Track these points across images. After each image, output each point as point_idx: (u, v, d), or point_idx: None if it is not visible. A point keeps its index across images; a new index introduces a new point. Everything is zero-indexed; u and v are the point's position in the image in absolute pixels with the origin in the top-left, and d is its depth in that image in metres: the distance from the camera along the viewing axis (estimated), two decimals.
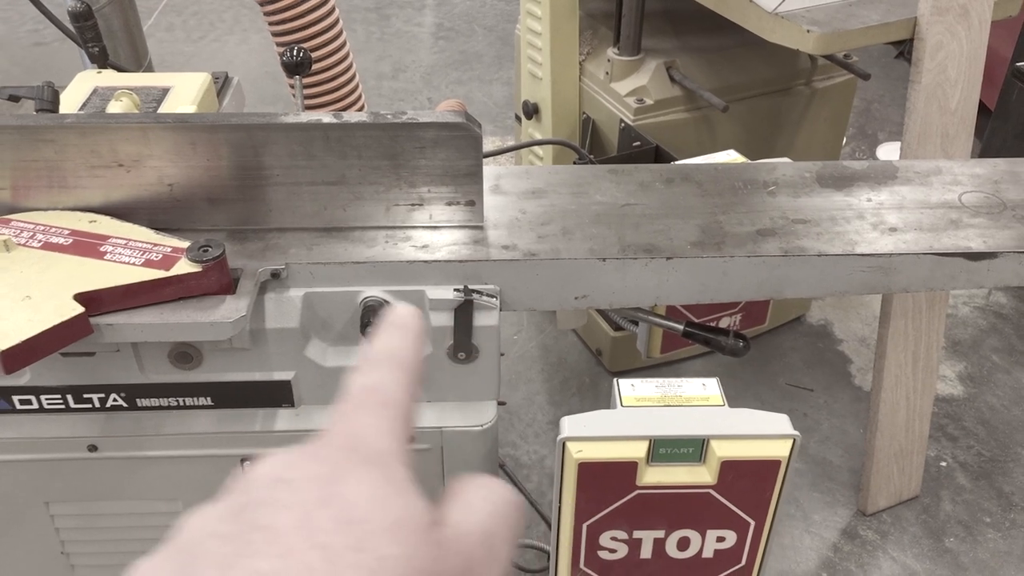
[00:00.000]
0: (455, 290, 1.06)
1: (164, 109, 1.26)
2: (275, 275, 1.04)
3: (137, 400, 1.10)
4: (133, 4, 1.70)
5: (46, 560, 1.22)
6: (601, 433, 0.98)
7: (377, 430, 0.42)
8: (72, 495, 1.16)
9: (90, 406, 1.10)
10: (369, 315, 1.04)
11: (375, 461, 0.40)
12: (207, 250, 0.98)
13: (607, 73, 2.11)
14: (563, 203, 1.16)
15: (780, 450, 0.99)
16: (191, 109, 1.23)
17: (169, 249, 0.99)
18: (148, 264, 0.97)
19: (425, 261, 1.05)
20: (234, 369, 1.09)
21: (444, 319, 1.06)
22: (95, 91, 1.30)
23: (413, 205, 1.09)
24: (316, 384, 1.11)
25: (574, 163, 1.90)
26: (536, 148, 2.46)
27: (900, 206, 1.18)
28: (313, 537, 0.36)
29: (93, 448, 1.10)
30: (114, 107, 1.17)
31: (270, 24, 1.56)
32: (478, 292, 1.06)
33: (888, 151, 3.54)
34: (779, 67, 2.18)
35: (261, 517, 0.37)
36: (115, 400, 1.10)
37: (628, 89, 2.06)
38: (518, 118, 2.88)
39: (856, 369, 2.63)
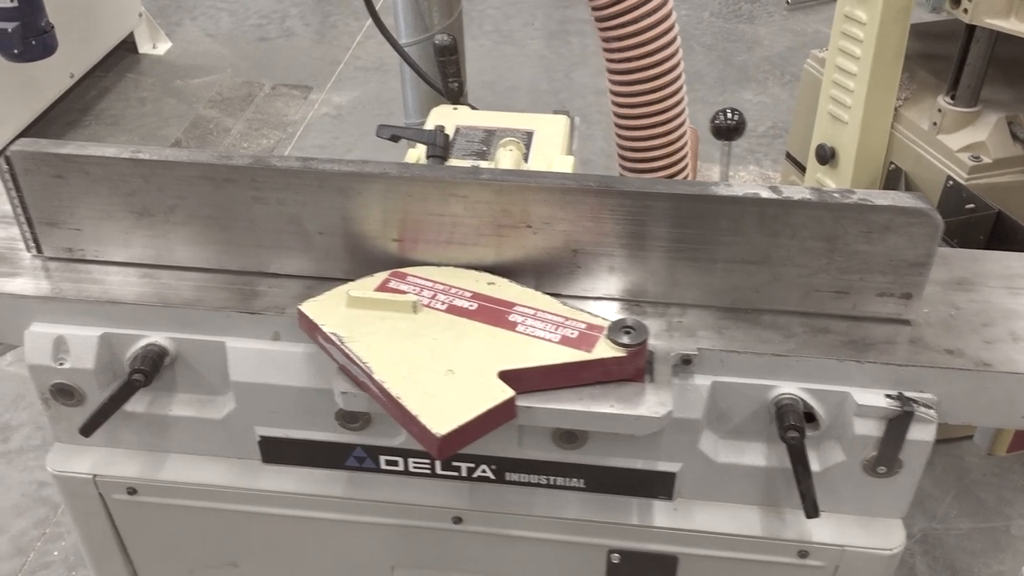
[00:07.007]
0: (887, 396, 0.92)
1: (535, 156, 1.18)
2: (686, 361, 0.93)
3: (506, 474, 1.02)
4: (462, 30, 1.66)
5: None
6: None
7: None
8: (422, 563, 1.09)
9: (456, 475, 1.03)
10: (787, 416, 0.92)
11: None
12: (629, 332, 0.88)
13: (934, 123, 1.91)
14: (1001, 301, 1.00)
15: None
16: (568, 159, 1.15)
17: (584, 326, 0.90)
18: (565, 342, 0.88)
19: (857, 361, 0.92)
20: (618, 455, 0.99)
21: (870, 427, 0.93)
22: (458, 131, 1.24)
23: (837, 293, 0.96)
24: (700, 478, 1.00)
25: None
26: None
27: None
28: None
29: (458, 520, 1.03)
30: (504, 157, 1.10)
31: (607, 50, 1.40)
32: (915, 402, 0.91)
33: None
34: None
35: None
36: (483, 471, 1.02)
37: (961, 144, 1.85)
38: (790, 158, 2.70)
39: None
